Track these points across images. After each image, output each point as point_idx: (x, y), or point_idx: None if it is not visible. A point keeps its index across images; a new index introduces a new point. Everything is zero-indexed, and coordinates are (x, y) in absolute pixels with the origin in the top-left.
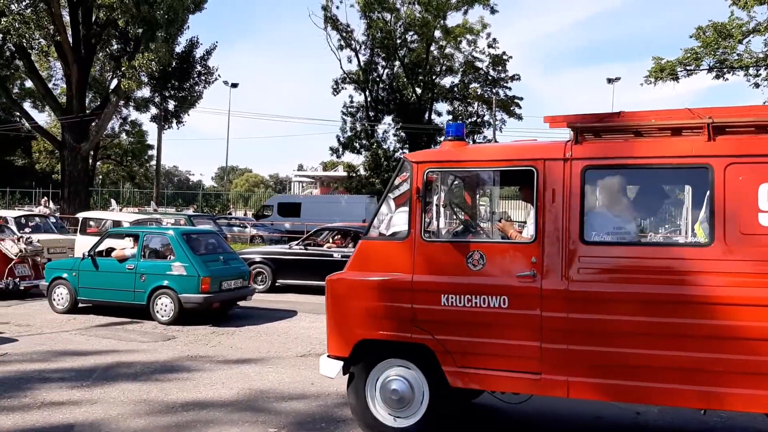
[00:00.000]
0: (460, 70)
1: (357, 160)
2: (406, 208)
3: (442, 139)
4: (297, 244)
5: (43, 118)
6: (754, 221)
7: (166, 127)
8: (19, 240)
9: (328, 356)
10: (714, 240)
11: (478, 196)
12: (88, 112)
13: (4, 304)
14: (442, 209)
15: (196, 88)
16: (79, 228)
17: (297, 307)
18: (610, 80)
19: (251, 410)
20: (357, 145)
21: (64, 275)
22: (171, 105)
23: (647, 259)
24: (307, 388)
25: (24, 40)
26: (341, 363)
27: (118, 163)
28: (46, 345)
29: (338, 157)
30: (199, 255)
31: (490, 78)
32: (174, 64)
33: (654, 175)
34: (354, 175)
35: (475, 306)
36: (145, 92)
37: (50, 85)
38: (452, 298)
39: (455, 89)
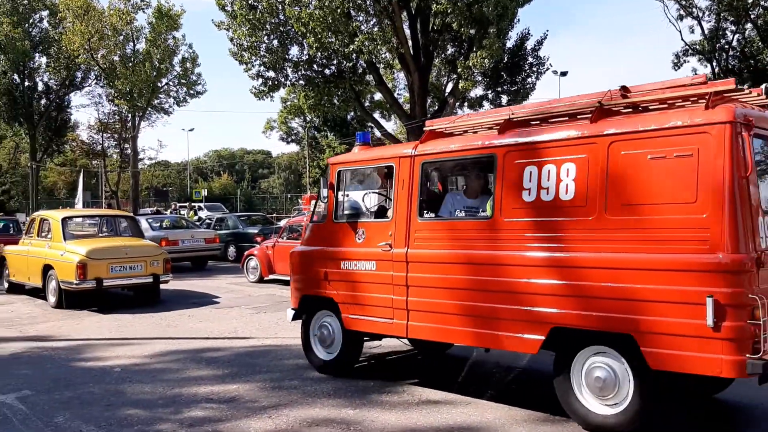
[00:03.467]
0: None
1: None
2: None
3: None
4: None
5: (389, 126)
6: (519, 197)
7: None
8: None
9: (291, 309)
10: (494, 214)
11: (371, 186)
12: (429, 116)
13: None
14: (346, 197)
15: (528, 80)
16: None
17: None
18: None
19: None
20: None
21: None
22: (504, 100)
23: (454, 230)
24: None
25: (373, 56)
26: (293, 312)
27: None
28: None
29: None
30: None
31: None
32: (505, 59)
33: (464, 163)
34: None
35: (358, 269)
36: (479, 91)
37: (395, 95)
38: (346, 263)
39: None
